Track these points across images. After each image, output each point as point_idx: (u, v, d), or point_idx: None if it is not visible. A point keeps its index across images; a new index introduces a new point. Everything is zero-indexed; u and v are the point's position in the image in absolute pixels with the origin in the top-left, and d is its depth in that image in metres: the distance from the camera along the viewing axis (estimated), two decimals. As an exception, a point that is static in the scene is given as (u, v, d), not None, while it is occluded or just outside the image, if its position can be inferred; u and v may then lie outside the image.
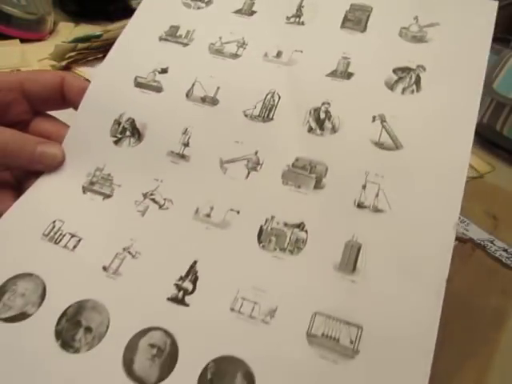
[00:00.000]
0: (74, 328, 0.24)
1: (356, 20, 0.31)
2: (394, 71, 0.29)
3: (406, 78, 0.29)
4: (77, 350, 0.23)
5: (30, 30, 0.70)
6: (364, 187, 0.26)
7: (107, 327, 0.24)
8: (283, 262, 0.25)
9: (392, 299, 0.23)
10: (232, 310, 0.24)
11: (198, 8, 0.34)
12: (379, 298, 0.23)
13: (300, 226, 0.26)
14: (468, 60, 0.29)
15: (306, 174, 0.27)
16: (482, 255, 0.42)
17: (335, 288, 0.24)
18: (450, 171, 0.25)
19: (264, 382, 0.21)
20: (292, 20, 0.32)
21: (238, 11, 0.33)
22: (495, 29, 0.29)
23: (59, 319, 0.24)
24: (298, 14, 0.32)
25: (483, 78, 0.28)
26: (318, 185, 0.27)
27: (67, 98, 0.32)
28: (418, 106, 0.28)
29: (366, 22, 0.31)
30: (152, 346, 0.23)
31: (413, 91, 0.28)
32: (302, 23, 0.32)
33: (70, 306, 0.24)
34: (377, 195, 0.26)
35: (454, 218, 0.24)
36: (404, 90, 0.28)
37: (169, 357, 0.22)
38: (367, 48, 0.30)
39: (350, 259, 0.24)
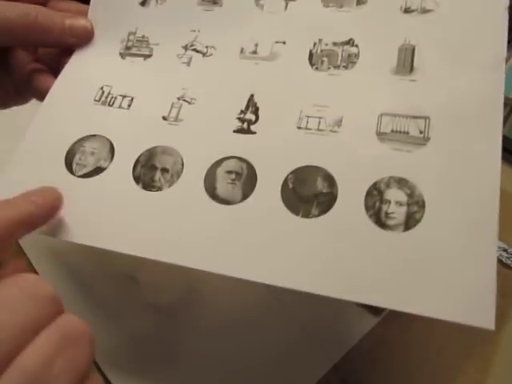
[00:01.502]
0: (151, 171, 0.24)
1: None
2: None
3: None
4: (159, 189, 0.24)
5: None
6: (408, 1, 0.25)
7: (182, 165, 0.24)
8: (339, 78, 0.25)
9: (455, 86, 0.23)
10: (299, 128, 0.24)
11: None
12: (442, 89, 0.23)
13: (350, 43, 0.25)
14: None
15: (346, -8, 0.26)
16: None
17: (396, 89, 0.24)
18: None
19: (344, 179, 0.22)
20: None
21: None
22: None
23: (134, 166, 0.25)
24: None
25: None
26: (361, 0, 0.26)
27: None
28: None
29: None
30: (229, 172, 0.24)
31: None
32: None
33: (141, 155, 0.25)
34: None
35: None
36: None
37: (248, 178, 0.23)
38: None
39: (407, 61, 0.24)
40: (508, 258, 0.40)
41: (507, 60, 0.53)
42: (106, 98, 0.27)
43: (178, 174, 0.24)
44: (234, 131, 0.25)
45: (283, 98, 0.25)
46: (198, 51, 0.27)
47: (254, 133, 0.25)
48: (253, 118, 0.25)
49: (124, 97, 0.27)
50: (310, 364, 0.31)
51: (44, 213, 0.22)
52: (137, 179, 0.24)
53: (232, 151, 0.24)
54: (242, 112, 0.25)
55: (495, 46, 0.23)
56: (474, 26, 0.24)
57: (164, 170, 0.24)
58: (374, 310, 0.32)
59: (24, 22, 0.26)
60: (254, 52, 0.27)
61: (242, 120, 0.25)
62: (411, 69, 0.24)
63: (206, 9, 0.28)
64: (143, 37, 0.29)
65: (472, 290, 0.19)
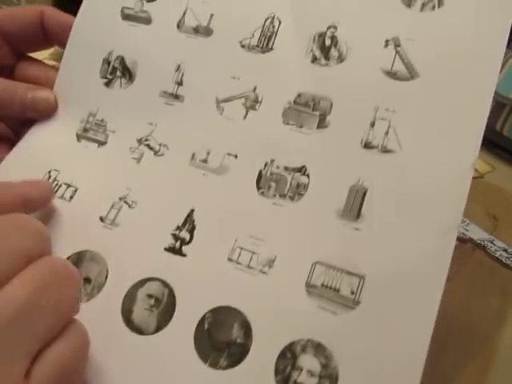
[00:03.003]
0: (75, 279, 0.24)
1: None
2: (413, -17, 0.25)
3: (427, -10, 0.25)
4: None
5: None
6: (372, 125, 0.23)
7: (106, 277, 0.23)
8: (283, 210, 0.23)
9: (398, 248, 0.21)
10: (230, 260, 0.23)
11: None
12: (384, 247, 0.21)
13: (301, 170, 0.24)
14: None
15: (308, 111, 0.24)
16: (481, 255, 0.41)
17: (337, 236, 0.22)
18: (473, 102, 0.22)
19: (261, 332, 0.21)
20: None
21: None
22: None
23: (60, 270, 0.24)
24: None
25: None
26: (322, 123, 0.24)
27: (49, 35, 0.29)
28: (438, 25, 0.24)
29: None
30: (150, 296, 0.23)
31: (434, 7, 0.24)
32: None
33: (68, 257, 0.24)
34: (386, 133, 0.23)
35: (473, 156, 0.22)
36: (424, 5, 0.24)
37: (166, 307, 0.22)
38: None
39: (355, 205, 0.22)
40: (508, 257, 0.40)
41: (507, 60, 0.49)
42: (52, 184, 0.26)
43: (100, 287, 0.23)
44: (166, 249, 0.24)
45: (223, 220, 0.24)
46: (150, 148, 0.26)
47: (184, 255, 0.23)
48: (187, 237, 0.24)
49: (69, 186, 0.26)
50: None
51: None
52: (59, 286, 0.24)
53: (158, 273, 0.23)
54: (178, 228, 0.24)
55: (452, 212, 0.21)
56: (434, 185, 0.22)
57: (86, 280, 0.24)
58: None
59: None
60: (205, 161, 0.25)
61: (175, 237, 0.24)
62: (358, 215, 0.22)
63: (167, 102, 0.27)
64: (102, 120, 0.28)
65: None
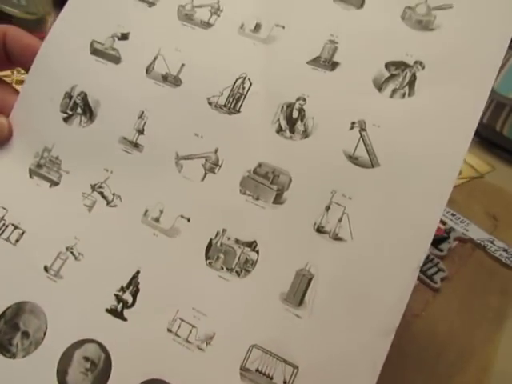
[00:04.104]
0: (12, 331, 0.23)
1: (353, -10, 0.26)
2: (387, 66, 0.24)
3: (400, 76, 0.24)
4: (13, 355, 0.23)
5: (30, 30, 0.67)
6: (328, 209, 0.23)
7: (44, 334, 0.23)
8: (228, 285, 0.23)
9: (335, 342, 0.22)
10: (169, 330, 0.23)
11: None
12: (321, 339, 0.22)
13: (252, 246, 0.24)
14: (478, 58, 0.24)
15: (267, 183, 0.24)
16: (481, 255, 0.42)
17: (278, 321, 0.22)
18: (427, 201, 0.22)
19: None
20: (277, -19, 0.27)
21: (216, -38, 0.28)
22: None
23: (-3, 320, 0.24)
24: (286, -27, 0.27)
25: (492, 83, 0.23)
26: (279, 199, 0.24)
27: (12, 56, 0.28)
28: (406, 115, 0.24)
29: (365, -5, 0.25)
30: (86, 359, 0.23)
31: (404, 95, 0.24)
32: (289, -13, 0.26)
33: (9, 307, 0.24)
34: (340, 220, 0.23)
35: (419, 258, 0.22)
36: (394, 91, 0.24)
37: (102, 372, 0.22)
38: (361, 31, 0.25)
39: (299, 291, 0.23)
40: (508, 257, 0.41)
41: (507, 60, 0.50)
42: (-2, 223, 0.26)
43: (37, 343, 0.23)
44: (107, 310, 0.23)
45: (167, 287, 0.24)
46: (103, 196, 0.26)
47: (125, 319, 0.23)
48: (130, 300, 0.24)
49: (15, 228, 0.25)
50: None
51: None
52: (-5, 336, 0.23)
53: (97, 334, 0.23)
54: (122, 289, 0.24)
55: (392, 313, 0.21)
56: (379, 283, 0.22)
57: (25, 335, 0.23)
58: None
59: None
60: (157, 220, 0.25)
61: (118, 299, 0.24)
62: (301, 302, 0.22)
63: (126, 149, 0.26)
64: (57, 158, 0.27)
65: None
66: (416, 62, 0.24)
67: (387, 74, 0.24)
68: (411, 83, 0.24)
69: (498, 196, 0.46)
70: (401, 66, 0.24)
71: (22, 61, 0.28)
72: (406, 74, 0.24)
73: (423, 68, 0.24)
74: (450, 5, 0.24)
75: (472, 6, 0.24)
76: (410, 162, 0.23)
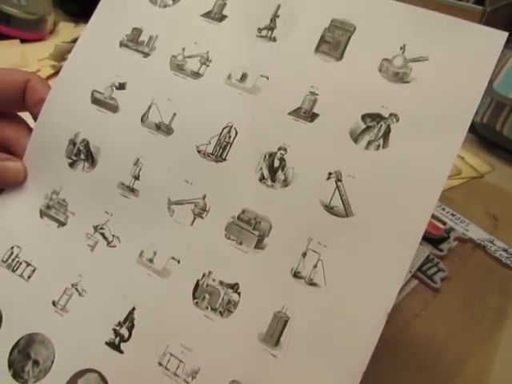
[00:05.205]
0: (24, 360, 0.27)
1: (334, 43, 0.27)
2: (363, 118, 0.26)
3: (375, 128, 0.25)
4: (25, 382, 0.26)
5: (30, 30, 0.69)
6: (304, 255, 0.25)
7: (52, 362, 0.26)
8: (212, 324, 0.25)
9: (309, 382, 0.24)
10: (160, 364, 0.25)
11: (165, 6, 0.30)
12: (296, 378, 0.24)
13: (234, 287, 0.26)
14: (452, 110, 0.24)
15: (249, 229, 0.26)
16: (481, 255, 0.42)
17: (256, 360, 0.24)
18: (397, 253, 0.24)
19: None
20: (263, 33, 0.28)
21: (207, 14, 0.29)
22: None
23: (12, 350, 0.27)
24: (272, 25, 0.28)
25: (465, 133, 0.24)
26: (260, 244, 0.26)
27: (27, 103, 0.31)
28: (380, 167, 0.25)
29: (345, 47, 0.26)
30: (87, 388, 0.26)
31: (378, 147, 0.25)
32: (274, 39, 0.28)
33: (21, 338, 0.27)
34: (315, 266, 0.25)
35: (388, 306, 0.23)
36: (369, 143, 0.25)
37: (101, 401, 0.25)
38: (339, 83, 0.26)
39: (276, 332, 0.25)
40: (508, 257, 0.42)
41: (507, 60, 0.50)
42: (13, 260, 0.29)
43: (46, 371, 0.26)
44: (106, 343, 0.26)
45: (159, 324, 0.26)
46: (104, 237, 0.28)
47: (122, 352, 0.26)
48: (126, 334, 0.26)
49: (28, 265, 0.29)
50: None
51: None
52: (10, 364, 0.27)
53: (97, 365, 0.26)
54: (119, 324, 0.26)
55: (360, 357, 0.23)
56: (349, 327, 0.24)
57: (35, 363, 0.26)
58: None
59: None
60: (151, 260, 0.27)
61: (116, 333, 0.26)
62: (277, 342, 0.24)
63: (123, 194, 0.28)
64: (64, 200, 0.29)
65: None
66: (391, 115, 0.25)
67: (363, 126, 0.26)
68: (386, 135, 0.25)
69: (497, 196, 0.46)
70: (376, 117, 0.25)
71: (33, 111, 0.31)
72: (381, 125, 0.25)
73: (397, 120, 0.25)
74: (426, 57, 0.25)
75: (447, 58, 0.25)
76: (382, 212, 0.24)
